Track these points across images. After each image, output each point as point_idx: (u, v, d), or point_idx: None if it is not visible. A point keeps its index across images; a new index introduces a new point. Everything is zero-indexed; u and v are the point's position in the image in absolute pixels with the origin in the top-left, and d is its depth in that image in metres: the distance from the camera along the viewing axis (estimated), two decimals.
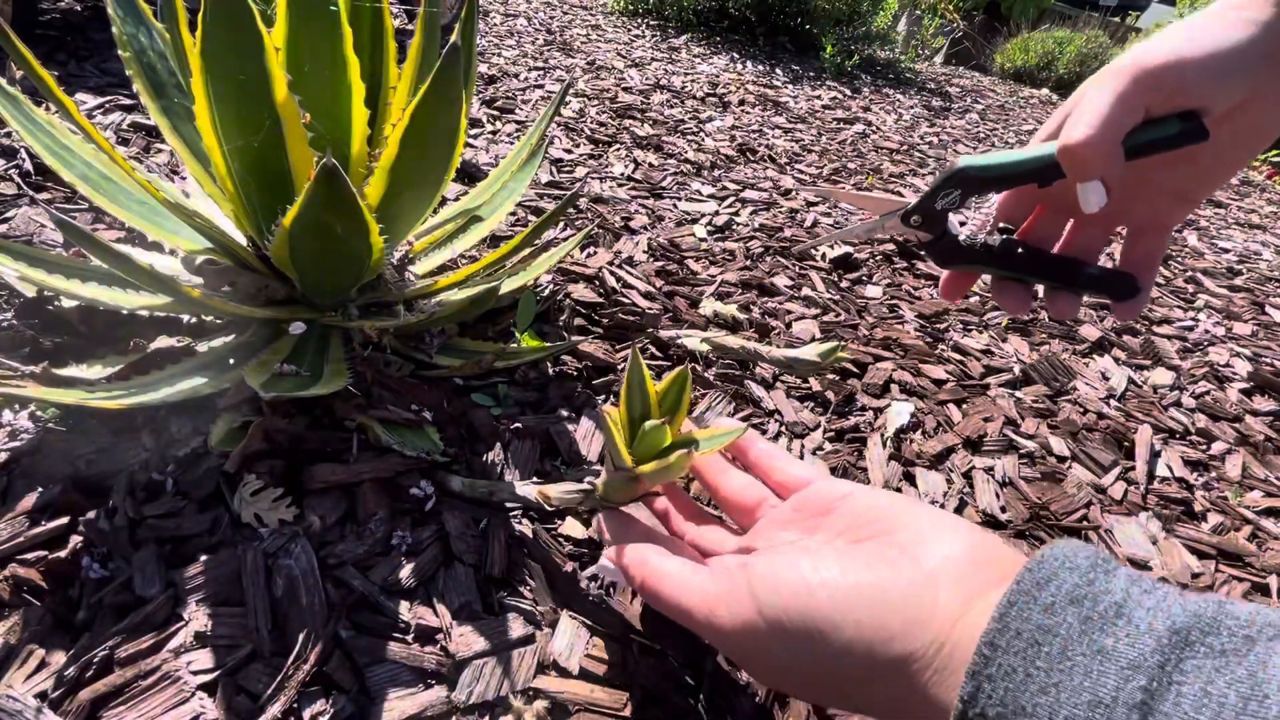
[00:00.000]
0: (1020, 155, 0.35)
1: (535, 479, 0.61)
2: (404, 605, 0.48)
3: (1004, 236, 0.39)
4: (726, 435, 0.42)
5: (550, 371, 0.75)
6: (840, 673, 0.27)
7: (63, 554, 0.46)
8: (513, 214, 1.08)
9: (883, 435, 0.78)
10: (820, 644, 0.27)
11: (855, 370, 0.90)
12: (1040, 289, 0.40)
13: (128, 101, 1.14)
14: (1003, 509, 0.72)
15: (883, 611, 0.27)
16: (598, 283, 0.93)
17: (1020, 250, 0.39)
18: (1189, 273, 1.57)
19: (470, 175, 1.21)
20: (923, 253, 0.38)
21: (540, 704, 0.44)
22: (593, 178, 1.31)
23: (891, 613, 0.27)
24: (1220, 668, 0.21)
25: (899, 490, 0.71)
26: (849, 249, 1.24)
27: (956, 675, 0.25)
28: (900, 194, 1.64)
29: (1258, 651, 0.21)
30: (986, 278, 0.40)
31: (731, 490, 0.45)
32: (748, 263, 1.12)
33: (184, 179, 0.92)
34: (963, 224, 0.38)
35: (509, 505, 0.57)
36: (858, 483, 0.34)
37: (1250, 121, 0.34)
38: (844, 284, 1.15)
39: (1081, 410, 0.93)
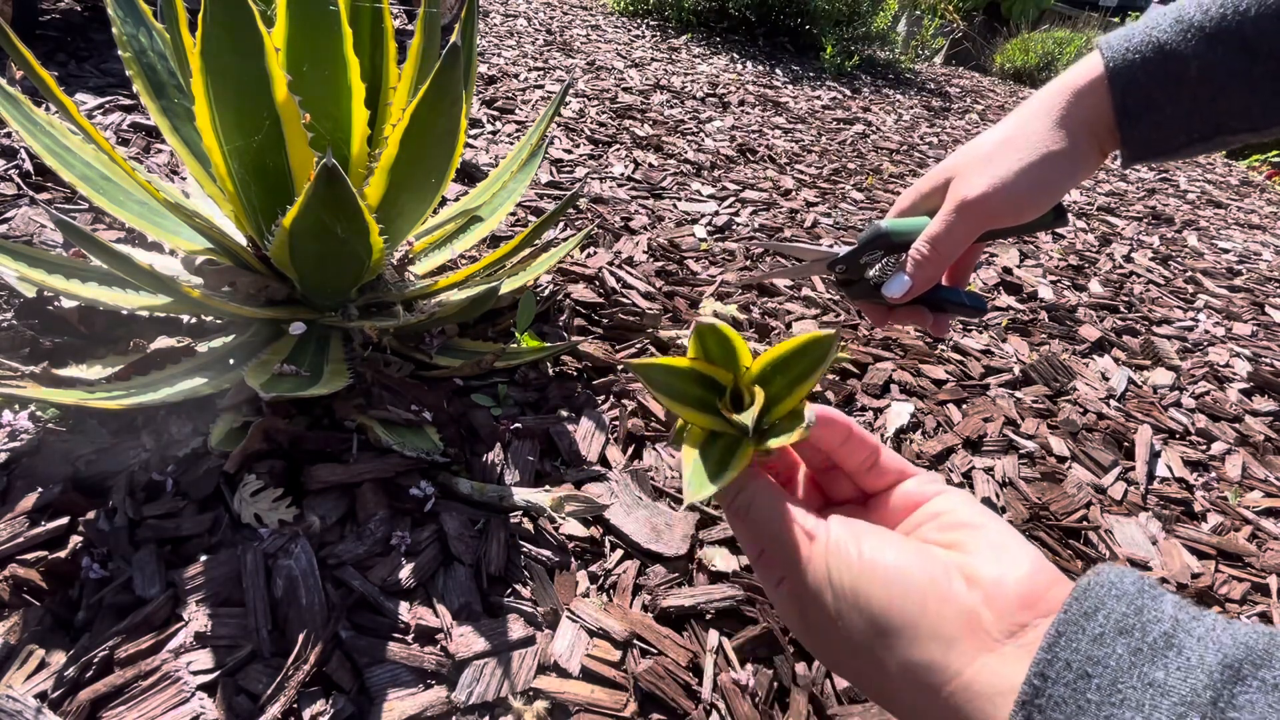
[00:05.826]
0: (923, 223, 0.45)
1: (547, 487, 0.61)
2: (404, 606, 0.48)
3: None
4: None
5: (550, 371, 0.75)
6: (860, 647, 0.28)
7: (63, 554, 0.46)
8: (513, 214, 1.08)
9: (883, 435, 0.78)
10: (855, 613, 0.28)
11: (855, 370, 0.90)
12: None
13: (128, 101, 1.14)
14: (1003, 509, 0.72)
15: (913, 605, 0.27)
16: (598, 283, 0.93)
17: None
18: (1189, 273, 1.57)
19: (470, 175, 1.21)
20: (836, 291, 0.47)
21: (540, 704, 0.44)
22: (593, 178, 1.31)
23: (921, 610, 0.27)
24: (1274, 703, 0.21)
25: None
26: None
27: (992, 702, 0.25)
28: (899, 194, 1.64)
29: None
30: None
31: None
32: (748, 263, 1.12)
33: (184, 179, 0.92)
34: (871, 268, 0.48)
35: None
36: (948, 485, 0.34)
37: None
38: None
39: (1081, 410, 0.93)
